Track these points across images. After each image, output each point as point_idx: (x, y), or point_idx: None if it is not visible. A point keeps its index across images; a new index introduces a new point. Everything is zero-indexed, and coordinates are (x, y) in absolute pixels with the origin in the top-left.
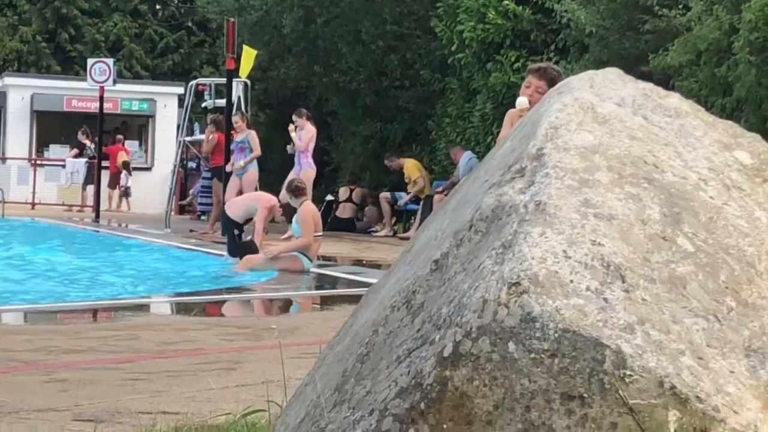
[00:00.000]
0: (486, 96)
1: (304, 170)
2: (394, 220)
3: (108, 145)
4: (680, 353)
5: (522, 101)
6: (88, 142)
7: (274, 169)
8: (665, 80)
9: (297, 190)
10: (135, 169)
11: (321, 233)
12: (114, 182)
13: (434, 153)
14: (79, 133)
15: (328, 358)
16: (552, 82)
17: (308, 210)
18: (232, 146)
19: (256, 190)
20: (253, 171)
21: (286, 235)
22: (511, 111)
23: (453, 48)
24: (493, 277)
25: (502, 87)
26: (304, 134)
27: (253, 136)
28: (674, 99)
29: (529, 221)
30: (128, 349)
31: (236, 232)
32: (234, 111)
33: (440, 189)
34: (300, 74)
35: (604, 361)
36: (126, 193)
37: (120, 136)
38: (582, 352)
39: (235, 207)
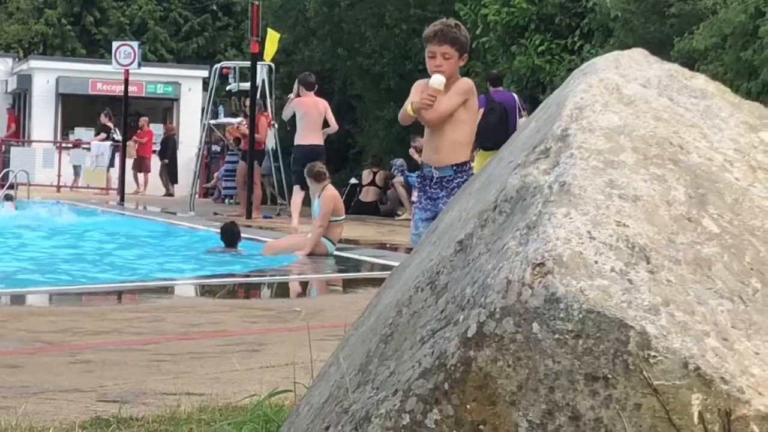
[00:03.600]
0: (510, 80)
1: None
2: None
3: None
4: (705, 334)
5: (436, 80)
6: (111, 125)
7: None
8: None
9: (319, 175)
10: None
11: (343, 217)
12: (137, 165)
13: None
14: (102, 115)
15: (352, 338)
16: (455, 41)
17: (332, 195)
18: None
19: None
20: None
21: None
22: (419, 82)
23: (477, 32)
24: (518, 257)
25: (526, 71)
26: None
27: None
28: (700, 80)
29: (553, 202)
30: (153, 330)
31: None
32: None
33: None
34: (324, 57)
35: (628, 342)
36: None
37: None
38: (606, 333)
39: None
